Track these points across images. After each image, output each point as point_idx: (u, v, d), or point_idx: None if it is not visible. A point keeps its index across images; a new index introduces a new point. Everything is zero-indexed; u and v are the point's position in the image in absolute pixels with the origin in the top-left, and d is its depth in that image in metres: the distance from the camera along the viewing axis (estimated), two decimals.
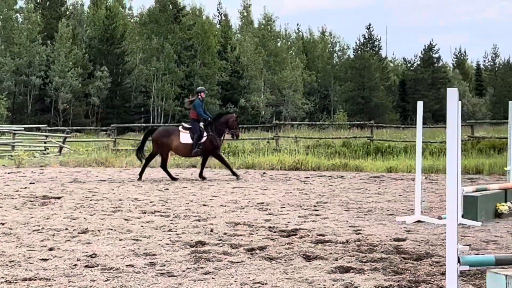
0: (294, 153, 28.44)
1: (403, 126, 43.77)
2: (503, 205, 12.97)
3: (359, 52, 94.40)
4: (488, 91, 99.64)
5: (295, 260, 8.74)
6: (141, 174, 21.97)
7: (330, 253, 9.13)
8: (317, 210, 13.96)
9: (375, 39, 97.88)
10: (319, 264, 8.44)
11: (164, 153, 22.13)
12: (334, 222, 12.20)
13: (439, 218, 12.33)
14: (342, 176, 22.74)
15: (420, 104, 12.53)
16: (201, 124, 21.74)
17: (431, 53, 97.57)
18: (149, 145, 23.98)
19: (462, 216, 12.19)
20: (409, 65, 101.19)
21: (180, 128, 22.13)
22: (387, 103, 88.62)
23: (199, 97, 21.88)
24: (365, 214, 13.35)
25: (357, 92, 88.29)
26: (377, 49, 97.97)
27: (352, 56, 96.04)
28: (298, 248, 9.50)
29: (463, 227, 11.60)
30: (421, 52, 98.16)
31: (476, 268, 7.53)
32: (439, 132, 34.35)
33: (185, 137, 21.78)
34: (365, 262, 8.58)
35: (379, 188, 18.88)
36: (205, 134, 21.71)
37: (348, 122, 53.14)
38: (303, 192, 17.81)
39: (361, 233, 10.91)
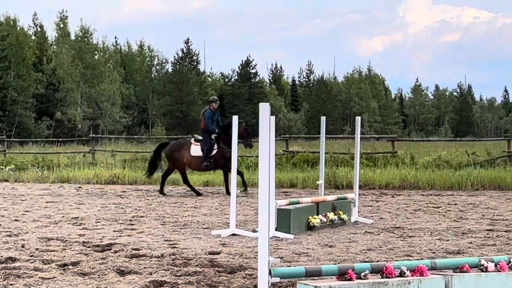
0: (111, 167, 28.10)
1: None
2: (315, 218, 13.32)
3: (177, 66, 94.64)
4: (303, 106, 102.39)
5: (109, 275, 8.60)
6: (161, 191, 21.25)
7: (145, 268, 9.06)
8: (133, 224, 13.83)
9: (193, 53, 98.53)
10: (133, 279, 8.35)
11: (179, 167, 21.40)
12: (150, 236, 12.13)
13: (254, 231, 12.50)
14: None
15: (235, 118, 12.70)
16: (213, 136, 20.76)
17: (248, 69, 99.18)
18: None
19: (276, 229, 12.43)
20: (227, 80, 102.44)
21: (192, 140, 21.46)
22: None
23: (211, 107, 21.00)
24: (181, 228, 13.36)
25: (176, 106, 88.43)
26: (195, 63, 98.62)
27: (170, 70, 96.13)
28: (112, 263, 9.36)
29: (277, 240, 11.83)
30: (239, 67, 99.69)
31: (287, 280, 7.69)
32: (256, 146, 34.92)
33: (196, 150, 20.99)
34: (179, 276, 8.57)
35: (195, 202, 18.96)
36: (215, 146, 20.80)
37: (166, 136, 53.13)
38: (119, 206, 17.61)
39: (176, 247, 10.90)
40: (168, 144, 22.05)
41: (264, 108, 6.35)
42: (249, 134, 21.78)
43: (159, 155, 22.18)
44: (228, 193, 19.94)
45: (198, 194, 20.94)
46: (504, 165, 24.75)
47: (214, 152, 20.80)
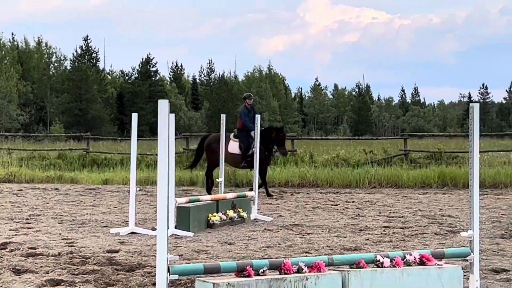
0: (7, 165, 27.47)
1: (120, 138, 43.83)
2: (215, 216, 13.35)
3: (76, 63, 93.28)
4: (204, 105, 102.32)
5: (4, 274, 8.43)
6: (209, 190, 19.90)
7: (41, 266, 8.91)
8: (30, 223, 13.58)
9: (92, 51, 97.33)
10: (29, 278, 8.20)
11: (213, 159, 19.24)
12: (47, 235, 11.93)
13: (153, 229, 12.43)
14: (57, 189, 22.29)
15: (134, 116, 12.60)
16: (252, 133, 18.51)
17: (149, 67, 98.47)
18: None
19: (175, 227, 12.40)
20: (127, 78, 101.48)
21: (231, 135, 19.84)
22: (104, 116, 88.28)
23: (246, 104, 19.76)
24: (79, 227, 13.19)
25: (74, 104, 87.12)
26: (94, 61, 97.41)
27: (69, 68, 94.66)
28: (8, 262, 9.18)
29: (176, 238, 11.81)
30: (139, 65, 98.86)
31: (186, 278, 7.68)
32: (156, 144, 34.65)
33: (233, 146, 19.71)
34: (76, 274, 8.46)
35: (94, 200, 18.73)
36: (253, 145, 18.25)
37: (65, 134, 52.29)
38: (15, 205, 17.25)
39: (74, 246, 10.76)
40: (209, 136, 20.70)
41: (163, 105, 6.31)
42: (284, 141, 20.39)
43: (203, 148, 20.70)
44: (269, 195, 19.34)
45: (209, 192, 19.45)
46: (400, 164, 25.27)
47: (252, 151, 18.40)
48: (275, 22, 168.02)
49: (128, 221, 12.80)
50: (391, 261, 6.74)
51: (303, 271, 6.34)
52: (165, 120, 6.27)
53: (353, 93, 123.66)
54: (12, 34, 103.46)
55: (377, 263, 6.72)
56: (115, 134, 75.81)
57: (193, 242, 11.41)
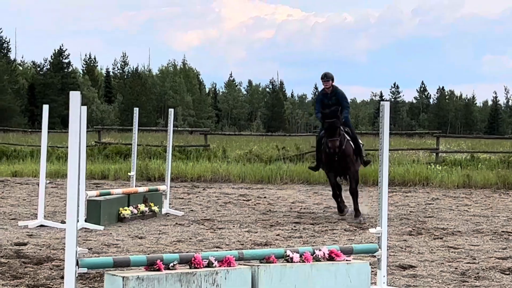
0: None
1: (30, 130, 43.05)
2: (126, 210, 13.26)
3: None
4: (117, 98, 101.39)
5: None
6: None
7: None
8: None
9: (3, 40, 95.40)
10: None
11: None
12: None
13: (63, 222, 12.28)
14: None
15: (45, 108, 12.43)
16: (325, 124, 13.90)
17: (61, 58, 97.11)
18: None
19: (86, 220, 12.28)
20: (38, 69, 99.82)
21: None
22: (15, 107, 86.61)
23: (325, 88, 14.44)
24: None
25: None
26: (5, 51, 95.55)
27: None
28: None
29: (86, 231, 11.69)
30: (51, 56, 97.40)
31: (96, 271, 7.62)
32: (67, 137, 34.22)
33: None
34: None
35: (3, 192, 18.37)
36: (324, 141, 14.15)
37: None
38: None
39: None
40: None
41: (74, 97, 6.25)
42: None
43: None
44: (341, 211, 14.40)
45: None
46: (312, 160, 25.51)
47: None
48: (190, 16, 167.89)
49: (37, 214, 12.60)
50: (300, 256, 6.83)
51: (213, 265, 6.37)
52: (77, 112, 6.21)
53: (267, 89, 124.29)
54: None
55: (287, 258, 6.80)
56: (25, 126, 74.42)
57: (103, 236, 11.32)
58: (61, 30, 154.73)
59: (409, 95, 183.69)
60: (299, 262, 6.79)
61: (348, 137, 13.99)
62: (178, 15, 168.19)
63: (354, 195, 14.14)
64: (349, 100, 14.89)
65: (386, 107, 7.40)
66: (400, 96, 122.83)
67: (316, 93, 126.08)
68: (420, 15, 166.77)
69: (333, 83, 14.35)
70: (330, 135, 13.52)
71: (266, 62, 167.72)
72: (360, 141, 14.76)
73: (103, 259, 6.51)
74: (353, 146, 14.06)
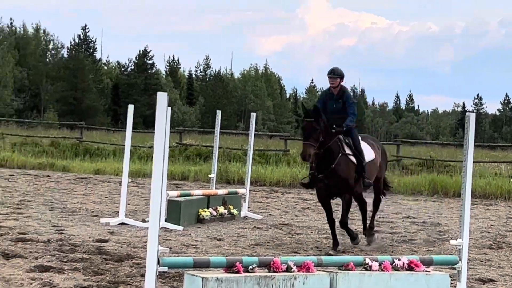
0: None
1: (113, 129, 43.76)
2: (205, 211, 13.38)
3: (73, 52, 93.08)
4: (198, 100, 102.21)
5: None
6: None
7: (31, 252, 8.93)
8: (20, 209, 13.58)
9: (90, 40, 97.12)
10: (18, 263, 8.23)
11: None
12: (37, 221, 11.95)
13: (143, 221, 12.46)
14: (48, 176, 22.29)
15: (130, 108, 12.63)
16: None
17: (145, 59, 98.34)
18: None
19: (166, 220, 12.42)
20: (123, 69, 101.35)
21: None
22: (99, 106, 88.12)
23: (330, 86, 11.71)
24: (69, 215, 13.20)
25: (69, 92, 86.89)
26: (91, 50, 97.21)
27: (66, 56, 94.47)
28: None
29: (166, 231, 11.83)
30: (136, 57, 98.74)
31: (174, 271, 7.71)
32: (149, 137, 34.66)
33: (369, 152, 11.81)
34: (65, 261, 8.49)
35: (85, 189, 18.73)
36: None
37: (58, 122, 52.20)
38: (6, 190, 17.24)
39: (64, 233, 10.78)
40: None
41: (161, 98, 6.34)
42: None
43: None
44: (354, 241, 11.68)
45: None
46: (392, 169, 25.31)
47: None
48: (274, 21, 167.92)
49: (118, 212, 12.81)
50: (379, 265, 6.79)
51: (292, 270, 6.38)
52: (163, 113, 6.30)
53: None
54: (11, 19, 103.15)
55: (366, 266, 6.76)
56: (108, 124, 75.63)
57: (183, 236, 11.44)
58: (146, 31, 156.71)
59: (492, 107, 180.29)
60: (378, 270, 6.76)
61: (347, 151, 11.08)
62: (262, 20, 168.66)
63: (345, 226, 11.36)
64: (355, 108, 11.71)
65: (471, 119, 7.31)
66: (483, 108, 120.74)
67: (398, 102, 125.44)
68: (506, 27, 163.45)
69: (342, 83, 11.69)
70: (305, 137, 10.69)
71: (348, 69, 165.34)
72: (370, 157, 11.53)
73: (184, 259, 6.58)
74: (354, 161, 11.10)
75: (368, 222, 12.23)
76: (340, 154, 10.94)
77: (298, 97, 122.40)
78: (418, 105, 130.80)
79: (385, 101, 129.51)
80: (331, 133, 10.87)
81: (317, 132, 10.55)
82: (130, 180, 13.17)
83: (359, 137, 11.55)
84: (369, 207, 12.37)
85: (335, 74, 11.51)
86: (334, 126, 10.97)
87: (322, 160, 10.76)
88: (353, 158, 11.12)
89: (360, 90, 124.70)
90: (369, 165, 11.42)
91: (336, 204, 12.69)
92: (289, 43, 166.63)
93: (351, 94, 12.00)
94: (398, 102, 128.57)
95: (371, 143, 12.00)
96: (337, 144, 10.97)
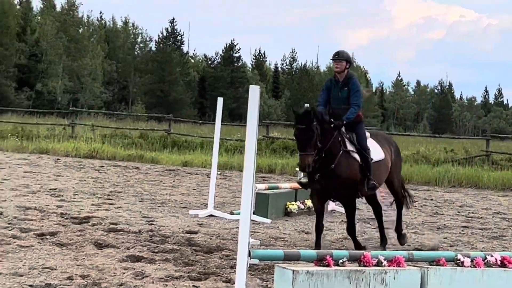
0: (90, 141, 28.01)
1: (200, 121, 44.15)
2: (293, 204, 13.40)
3: (161, 45, 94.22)
4: (284, 93, 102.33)
5: (87, 247, 8.64)
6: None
7: (122, 242, 9.10)
8: (111, 199, 13.84)
9: (178, 33, 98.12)
10: (111, 252, 8.39)
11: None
12: (127, 212, 12.16)
13: (231, 213, 12.56)
14: (137, 167, 22.65)
15: (220, 100, 12.72)
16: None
17: (232, 52, 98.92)
18: None
19: (254, 213, 12.48)
20: (209, 62, 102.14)
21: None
22: (186, 98, 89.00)
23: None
24: (158, 206, 13.39)
25: (157, 85, 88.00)
26: (179, 44, 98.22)
27: (154, 49, 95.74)
28: (90, 236, 9.40)
29: (254, 223, 11.89)
30: (222, 50, 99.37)
31: (264, 263, 7.76)
32: (236, 130, 34.91)
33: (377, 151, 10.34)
34: (156, 252, 8.62)
35: (174, 181, 18.96)
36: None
37: (147, 114, 52.97)
38: (97, 180, 17.59)
39: (154, 224, 10.94)
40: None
41: (254, 91, 6.38)
42: None
43: None
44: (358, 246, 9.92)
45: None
46: (481, 164, 24.91)
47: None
48: (360, 14, 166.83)
49: (207, 204, 12.94)
50: (471, 261, 6.70)
51: (383, 264, 6.35)
52: (255, 106, 6.34)
53: (435, 90, 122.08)
54: (101, 13, 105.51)
55: (457, 262, 6.69)
56: (195, 117, 76.41)
57: (271, 229, 11.49)
58: (233, 25, 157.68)
59: None
60: (470, 267, 6.67)
61: (349, 147, 9.64)
62: (348, 13, 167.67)
63: (352, 234, 9.92)
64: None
65: None
66: None
67: (486, 96, 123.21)
68: None
69: (349, 68, 10.26)
70: (300, 147, 9.23)
71: (435, 63, 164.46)
72: (378, 156, 10.10)
73: (274, 252, 6.61)
74: (358, 159, 9.67)
75: (388, 228, 10.86)
76: (341, 152, 9.47)
77: (385, 91, 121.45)
78: (507, 100, 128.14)
79: (473, 95, 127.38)
80: (328, 131, 9.37)
81: (312, 140, 9.07)
82: (218, 172, 13.26)
83: (367, 133, 10.12)
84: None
85: (340, 57, 10.17)
86: (332, 120, 9.50)
87: (320, 159, 9.29)
88: (356, 156, 9.66)
89: (447, 84, 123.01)
90: (377, 165, 9.97)
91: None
92: (376, 36, 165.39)
93: (359, 83, 10.35)
94: (486, 96, 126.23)
95: (382, 141, 10.51)
96: (338, 141, 9.51)
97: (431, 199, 17.90)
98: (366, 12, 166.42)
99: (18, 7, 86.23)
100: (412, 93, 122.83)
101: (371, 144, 10.04)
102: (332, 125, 9.43)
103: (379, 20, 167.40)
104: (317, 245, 9.50)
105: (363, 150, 9.70)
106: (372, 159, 9.80)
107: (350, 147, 9.61)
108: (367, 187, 9.74)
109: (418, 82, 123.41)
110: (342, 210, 14.20)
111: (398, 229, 10.80)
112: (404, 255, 6.57)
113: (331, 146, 9.35)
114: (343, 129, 9.70)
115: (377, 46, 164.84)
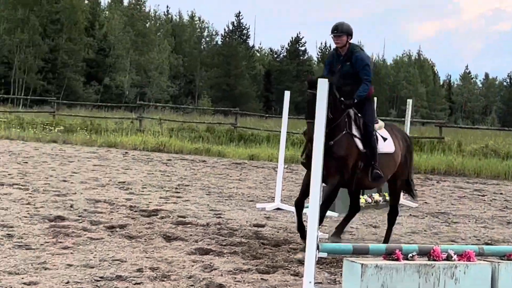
0: (157, 135, 28.30)
1: (267, 115, 44.22)
2: (361, 198, 13.31)
3: (227, 39, 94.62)
4: None
5: (155, 240, 8.73)
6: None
7: (191, 235, 9.17)
8: (179, 193, 13.96)
9: (243, 27, 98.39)
10: (179, 245, 8.47)
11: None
12: (195, 205, 12.24)
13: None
14: (204, 161, 22.80)
15: (287, 94, 12.74)
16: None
17: (298, 46, 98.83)
18: None
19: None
20: (275, 56, 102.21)
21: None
22: (251, 92, 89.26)
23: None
24: (226, 199, 13.45)
25: (223, 79, 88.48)
26: (245, 37, 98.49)
27: (220, 43, 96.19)
28: (159, 229, 9.50)
29: None
30: (288, 44, 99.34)
31: (331, 257, 7.75)
32: (301, 123, 34.82)
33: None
34: (224, 245, 8.67)
35: (240, 174, 19.04)
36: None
37: (213, 108, 53.25)
38: (165, 174, 17.76)
39: (221, 217, 11.00)
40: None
41: (322, 84, 6.37)
42: None
43: None
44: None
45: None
46: None
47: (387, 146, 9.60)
48: (427, 6, 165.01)
49: (274, 197, 12.96)
50: None
51: (452, 259, 6.28)
52: (324, 99, 6.33)
53: (504, 83, 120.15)
54: (167, 7, 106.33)
55: None
56: (260, 111, 76.55)
57: (338, 223, 11.44)
58: (299, 18, 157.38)
59: None
60: None
61: (354, 131, 8.91)
62: (415, 5, 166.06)
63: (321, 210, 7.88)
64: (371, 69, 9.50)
65: None
66: None
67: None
68: None
69: (350, 41, 9.47)
70: (309, 113, 8.29)
71: (505, 55, 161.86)
72: (388, 148, 9.28)
73: (343, 246, 6.59)
74: (360, 146, 8.87)
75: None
76: (344, 132, 8.74)
77: (452, 84, 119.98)
78: None
79: None
80: (340, 109, 8.73)
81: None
82: (284, 166, 13.28)
83: (381, 123, 9.44)
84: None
85: (339, 32, 9.29)
86: (342, 99, 8.75)
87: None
88: (358, 142, 8.87)
89: None
90: (385, 157, 9.15)
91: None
92: (443, 28, 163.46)
93: (365, 54, 9.47)
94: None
95: (396, 134, 9.69)
96: (345, 121, 8.81)
97: (501, 193, 17.65)
98: (433, 4, 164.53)
99: (86, 2, 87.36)
100: (480, 86, 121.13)
101: (383, 133, 9.33)
102: (342, 106, 8.76)
103: (447, 12, 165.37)
104: (300, 228, 8.72)
105: (369, 137, 8.94)
106: (378, 149, 9.01)
107: (355, 131, 8.89)
108: (370, 176, 8.97)
109: (486, 75, 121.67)
110: (410, 204, 14.11)
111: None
112: (475, 249, 6.49)
113: (340, 122, 8.69)
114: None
115: (444, 39, 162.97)
